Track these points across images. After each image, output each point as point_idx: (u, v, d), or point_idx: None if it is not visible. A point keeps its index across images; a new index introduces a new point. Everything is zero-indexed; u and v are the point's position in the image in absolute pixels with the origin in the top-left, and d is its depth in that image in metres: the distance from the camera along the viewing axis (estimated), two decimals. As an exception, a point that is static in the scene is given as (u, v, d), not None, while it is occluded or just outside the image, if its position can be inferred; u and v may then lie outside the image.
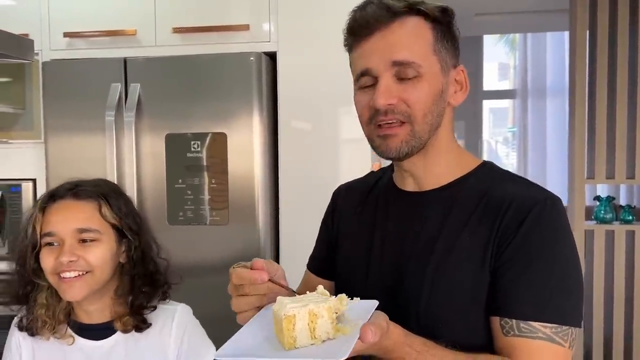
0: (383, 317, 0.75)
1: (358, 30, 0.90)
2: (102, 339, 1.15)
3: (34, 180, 2.10)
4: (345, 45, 0.96)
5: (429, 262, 0.90)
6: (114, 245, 1.14)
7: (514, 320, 0.83)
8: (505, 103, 6.96)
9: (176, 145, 1.89)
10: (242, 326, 0.80)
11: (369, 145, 2.06)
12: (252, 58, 1.86)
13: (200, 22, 1.98)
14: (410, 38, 0.89)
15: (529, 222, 0.86)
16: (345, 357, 0.68)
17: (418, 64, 0.88)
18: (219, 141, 1.87)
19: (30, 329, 1.14)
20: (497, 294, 0.85)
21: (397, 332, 0.77)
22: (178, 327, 1.17)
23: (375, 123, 0.90)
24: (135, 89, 1.90)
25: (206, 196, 1.88)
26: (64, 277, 1.08)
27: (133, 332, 1.15)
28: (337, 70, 1.89)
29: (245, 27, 1.95)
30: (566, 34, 4.55)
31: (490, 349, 0.86)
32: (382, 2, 0.89)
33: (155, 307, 1.17)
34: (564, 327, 0.83)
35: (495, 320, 0.85)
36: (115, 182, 1.87)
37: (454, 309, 0.88)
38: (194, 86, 1.90)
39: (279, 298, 0.77)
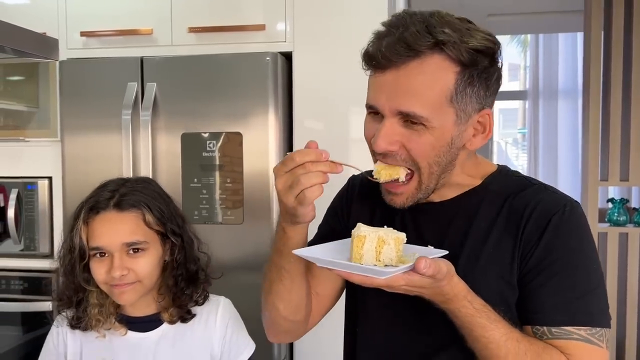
0: (446, 263, 0.78)
1: (372, 61, 0.84)
2: (149, 330, 1.18)
3: (49, 178, 2.11)
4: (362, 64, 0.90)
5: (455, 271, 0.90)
6: (159, 249, 1.17)
7: (544, 327, 0.84)
8: (516, 104, 6.93)
9: (192, 145, 1.90)
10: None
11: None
12: (268, 58, 1.86)
13: (216, 22, 1.98)
14: (424, 85, 0.81)
15: (550, 230, 0.86)
16: (387, 277, 0.75)
17: (426, 118, 0.82)
18: (235, 140, 1.88)
19: (84, 327, 1.17)
20: (525, 302, 0.86)
21: (461, 284, 0.80)
22: (222, 318, 1.22)
23: (377, 158, 0.88)
24: (151, 88, 1.91)
25: (221, 195, 1.89)
26: (116, 285, 1.11)
27: (179, 324, 1.19)
28: (352, 70, 1.88)
29: (261, 27, 1.95)
30: (579, 34, 4.52)
31: None
32: (404, 35, 0.80)
33: (197, 303, 1.20)
34: (597, 329, 0.84)
35: (527, 329, 0.86)
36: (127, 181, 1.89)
37: None
38: (210, 86, 1.90)
39: (358, 224, 0.82)
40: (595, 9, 2.89)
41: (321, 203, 1.16)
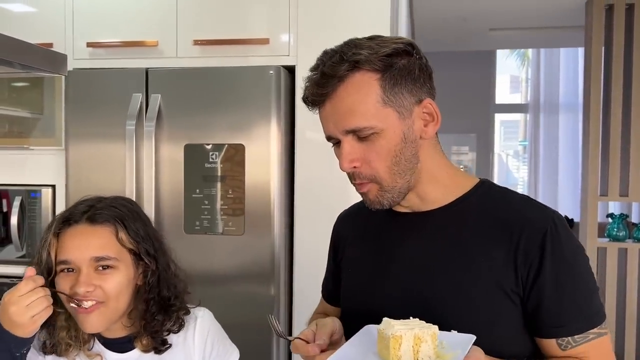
0: (480, 351, 0.82)
1: (311, 103, 0.94)
2: (127, 351, 1.14)
3: (53, 187, 2.13)
4: None
5: (444, 277, 0.92)
6: (130, 270, 1.09)
7: (569, 337, 0.90)
8: (517, 116, 6.96)
9: (195, 156, 1.92)
10: None
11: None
12: (271, 72, 1.89)
13: (221, 35, 2.01)
14: (357, 100, 0.89)
15: (549, 242, 0.90)
16: None
17: (370, 126, 0.90)
18: (237, 152, 1.90)
19: (56, 352, 1.11)
20: (544, 317, 0.91)
21: None
22: (201, 333, 1.16)
23: (352, 183, 0.96)
24: (156, 99, 1.93)
25: (223, 206, 1.91)
26: (80, 307, 1.03)
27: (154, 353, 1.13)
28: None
29: (265, 41, 1.98)
30: (580, 49, 4.55)
31: (513, 354, 0.90)
32: (324, 70, 0.90)
33: (170, 332, 1.14)
34: (600, 325, 0.92)
35: (551, 342, 0.91)
36: (134, 190, 1.91)
37: (471, 327, 0.88)
38: (214, 98, 1.92)
39: (385, 319, 0.83)
40: (596, 25, 2.92)
41: (329, 229, 1.20)
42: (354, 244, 1.07)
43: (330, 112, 0.91)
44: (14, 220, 2.09)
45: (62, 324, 1.08)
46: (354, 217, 1.11)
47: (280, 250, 1.93)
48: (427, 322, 0.85)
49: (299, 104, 1.98)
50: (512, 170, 7.52)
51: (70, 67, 2.06)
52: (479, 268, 0.91)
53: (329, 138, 0.95)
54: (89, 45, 2.08)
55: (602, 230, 3.09)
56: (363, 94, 0.89)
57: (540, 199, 5.89)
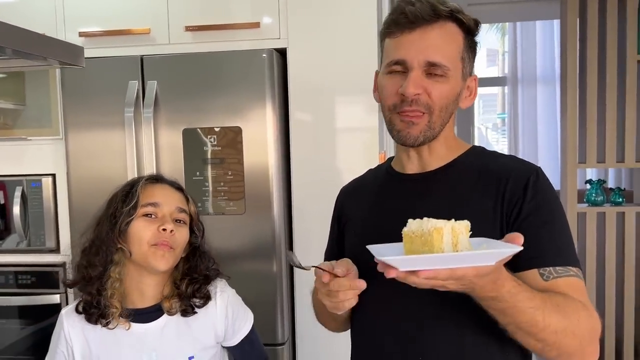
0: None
1: (403, 22, 1.01)
2: (152, 321, 1.24)
3: (53, 176, 2.17)
4: (383, 31, 1.06)
5: None
6: (186, 235, 1.27)
7: (550, 267, 0.96)
8: (495, 90, 7.08)
9: (193, 139, 1.98)
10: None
11: (377, 134, 2.15)
12: (264, 55, 1.94)
13: (211, 21, 2.05)
14: (446, 41, 1.00)
15: (531, 188, 1.01)
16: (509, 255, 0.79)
17: (447, 67, 1.00)
18: (234, 134, 1.96)
19: (93, 313, 1.21)
20: (526, 250, 0.94)
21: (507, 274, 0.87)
22: (222, 300, 1.29)
23: (398, 111, 1.02)
24: (152, 86, 1.98)
25: (223, 187, 1.97)
26: (160, 244, 1.19)
27: (180, 315, 1.25)
28: (345, 62, 2.00)
29: (256, 25, 2.03)
30: (555, 21, 4.66)
31: None
32: (430, 2, 1.00)
33: (206, 299, 1.27)
34: (579, 269, 0.98)
35: (533, 272, 0.96)
36: (136, 176, 1.97)
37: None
38: (209, 82, 1.97)
39: (410, 220, 0.85)
40: (571, -2, 3.01)
41: (326, 205, 1.27)
42: (358, 212, 1.15)
43: (418, 39, 0.99)
44: (16, 210, 2.13)
45: (115, 275, 1.22)
46: (357, 190, 1.21)
47: (280, 227, 2.01)
48: (415, 295, 0.87)
49: (293, 86, 2.05)
50: (491, 143, 7.67)
51: (64, 57, 2.09)
52: (475, 218, 0.97)
53: (396, 63, 1.01)
54: (82, 35, 2.10)
55: (582, 197, 3.23)
56: (452, 40, 1.01)
57: (521, 169, 5.91)
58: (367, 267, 0.96)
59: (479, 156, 1.09)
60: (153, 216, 1.23)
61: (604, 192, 3.17)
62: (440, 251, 0.77)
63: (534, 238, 0.96)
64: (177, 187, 1.31)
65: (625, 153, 3.02)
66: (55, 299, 2.12)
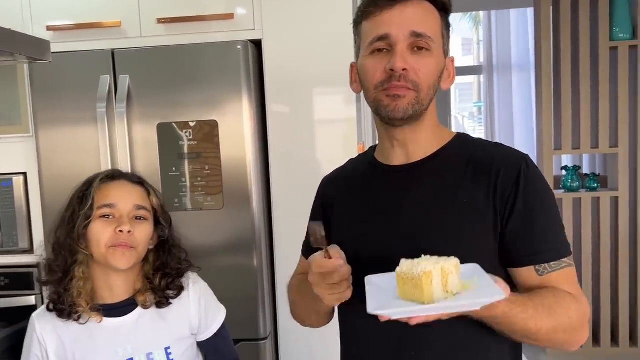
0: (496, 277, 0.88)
1: (380, 2, 1.00)
2: (126, 314, 1.23)
3: (24, 174, 2.11)
4: (359, 14, 1.05)
5: (436, 224, 1.01)
6: (151, 229, 1.25)
7: (545, 264, 0.98)
8: (470, 79, 7.12)
9: (168, 134, 1.94)
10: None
11: (355, 125, 2.13)
12: (239, 47, 1.91)
13: (184, 12, 2.01)
14: (427, 16, 1.01)
15: (523, 179, 1.00)
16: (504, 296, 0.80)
17: (432, 39, 1.00)
18: (211, 128, 1.93)
19: (63, 309, 1.20)
20: (522, 245, 0.99)
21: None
22: (194, 291, 1.29)
23: (385, 87, 1.00)
24: (124, 80, 1.93)
25: (200, 182, 1.94)
26: (118, 245, 1.17)
27: (155, 307, 1.25)
28: (322, 53, 1.97)
29: (230, 16, 1.99)
30: (530, 9, 4.69)
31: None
32: None
33: (179, 289, 1.26)
34: (570, 255, 1.01)
35: (529, 268, 0.98)
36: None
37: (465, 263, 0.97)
38: (183, 76, 1.94)
39: (402, 260, 0.86)
40: (544, -14, 3.03)
41: (306, 197, 1.26)
42: (344, 201, 1.13)
43: (399, 13, 0.99)
44: (-14, 210, 2.07)
45: (80, 274, 1.20)
46: (340, 179, 1.18)
47: (260, 221, 1.99)
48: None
49: (269, 78, 2.02)
50: (468, 131, 7.73)
51: (32, 52, 2.03)
52: (464, 209, 1.00)
53: (379, 39, 1.00)
54: (50, 28, 2.04)
55: (558, 183, 3.27)
56: (431, 15, 1.01)
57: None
58: (358, 264, 0.95)
59: (465, 145, 1.08)
60: (110, 217, 1.20)
61: (580, 178, 3.22)
62: (430, 294, 0.81)
63: (530, 234, 0.98)
64: (136, 181, 1.27)
65: (600, 139, 3.06)
66: (31, 300, 2.07)
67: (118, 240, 1.18)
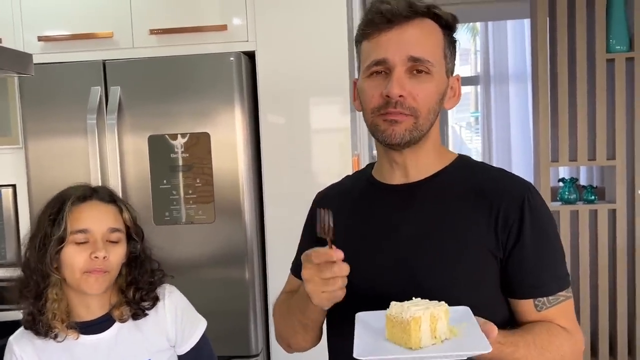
0: (489, 321, 0.86)
1: (380, 21, 0.96)
2: (103, 331, 1.22)
3: (13, 186, 2.09)
4: (359, 34, 1.01)
5: (434, 248, 0.98)
6: (124, 247, 1.22)
7: (544, 298, 0.96)
8: (468, 89, 7.13)
9: (159, 147, 1.91)
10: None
11: (349, 136, 2.11)
12: (232, 58, 1.89)
13: (177, 24, 1.99)
14: (426, 37, 0.97)
15: (528, 209, 0.97)
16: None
17: (431, 63, 0.96)
18: (203, 140, 1.90)
19: (39, 329, 1.17)
20: (523, 278, 0.97)
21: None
22: (170, 302, 1.27)
23: (381, 112, 0.97)
24: (115, 91, 1.91)
25: (191, 195, 1.92)
26: (92, 271, 1.14)
27: (131, 320, 1.23)
28: (315, 64, 1.96)
29: (223, 27, 1.98)
30: (526, 20, 4.69)
31: (492, 321, 0.94)
32: (405, 1, 0.96)
33: (145, 309, 1.23)
34: (569, 287, 0.99)
35: (529, 302, 0.97)
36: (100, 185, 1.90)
37: (461, 289, 0.95)
38: (175, 87, 1.91)
39: (393, 303, 0.85)
40: (541, -3, 3.02)
41: (300, 210, 1.23)
42: (338, 219, 1.09)
43: (396, 36, 0.95)
44: (-26, 223, 2.04)
45: (53, 296, 1.17)
46: (335, 195, 1.14)
47: (252, 234, 1.96)
48: (415, 289, 0.89)
49: (262, 88, 2.00)
50: (465, 142, 7.72)
51: (22, 63, 2.00)
52: (464, 234, 0.97)
53: (377, 63, 0.96)
54: (41, 39, 2.02)
55: (555, 195, 3.24)
56: (432, 35, 0.97)
57: (495, 168, 5.90)
58: (351, 284, 0.92)
59: (466, 168, 1.05)
60: (84, 242, 1.17)
61: (577, 190, 3.19)
62: (418, 340, 0.81)
63: (532, 268, 0.97)
64: (108, 200, 1.22)
65: (597, 151, 3.04)
66: (19, 315, 2.03)
67: (93, 266, 1.15)
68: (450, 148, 7.33)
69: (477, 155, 6.83)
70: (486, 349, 0.79)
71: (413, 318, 0.80)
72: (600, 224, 3.07)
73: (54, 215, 1.17)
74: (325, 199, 1.16)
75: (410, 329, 0.80)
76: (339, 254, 0.88)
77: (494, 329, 0.84)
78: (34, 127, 1.97)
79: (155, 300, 1.25)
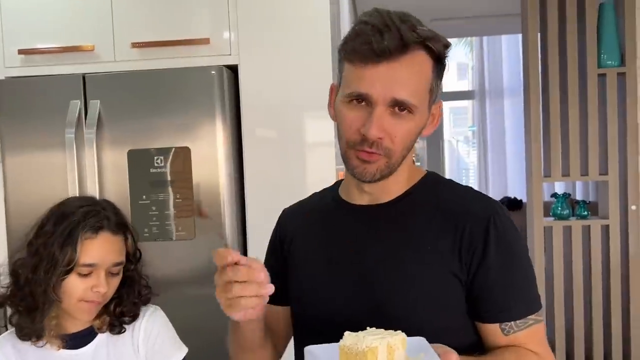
0: (452, 351, 0.82)
1: (367, 54, 0.89)
2: (84, 345, 1.22)
3: (-8, 201, 2.05)
4: (343, 54, 0.95)
5: (397, 270, 0.95)
6: (121, 274, 1.22)
7: (512, 322, 0.93)
8: (466, 103, 7.13)
9: (139, 161, 1.88)
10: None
11: (333, 149, 2.08)
12: (213, 72, 1.87)
13: (159, 37, 1.97)
14: (414, 76, 0.90)
15: (492, 231, 0.94)
16: None
17: (415, 105, 0.91)
18: (183, 155, 1.87)
19: (26, 336, 1.19)
20: (488, 302, 0.94)
21: None
22: (148, 325, 1.25)
23: (357, 149, 0.93)
24: (95, 105, 1.88)
25: (171, 211, 1.88)
26: (89, 301, 1.16)
27: (111, 335, 1.23)
28: (298, 78, 1.93)
29: (206, 41, 1.96)
30: (520, 35, 4.70)
31: (456, 347, 0.90)
32: (400, 32, 0.88)
33: (136, 316, 1.24)
34: (538, 311, 0.96)
35: (494, 326, 0.94)
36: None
37: (425, 312, 0.93)
38: (156, 101, 1.89)
39: (347, 333, 0.80)
40: (531, 12, 3.02)
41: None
42: (303, 239, 1.07)
43: (383, 74, 0.88)
44: (-49, 238, 2.00)
45: (52, 314, 1.18)
46: (302, 213, 1.11)
47: (234, 249, 1.91)
48: (378, 313, 0.86)
49: (245, 102, 1.97)
50: (462, 156, 7.70)
51: (1, 76, 1.99)
52: (428, 258, 0.94)
53: (358, 96, 0.91)
54: (21, 52, 2.00)
55: (548, 210, 3.21)
56: (421, 73, 0.91)
57: (489, 183, 5.98)
58: (312, 307, 0.88)
59: (434, 186, 1.02)
60: (88, 275, 1.17)
61: (570, 206, 3.16)
62: None
63: (497, 291, 0.94)
64: (116, 230, 1.20)
65: (589, 166, 3.01)
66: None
67: (91, 297, 1.16)
68: (446, 163, 7.32)
69: (473, 170, 6.81)
70: None
71: (369, 349, 0.77)
72: (593, 239, 3.03)
73: (64, 239, 1.15)
74: (291, 216, 1.13)
75: None
76: (235, 257, 0.84)
77: (451, 357, 0.81)
78: (11, 140, 1.94)
79: (135, 317, 1.24)
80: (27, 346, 1.20)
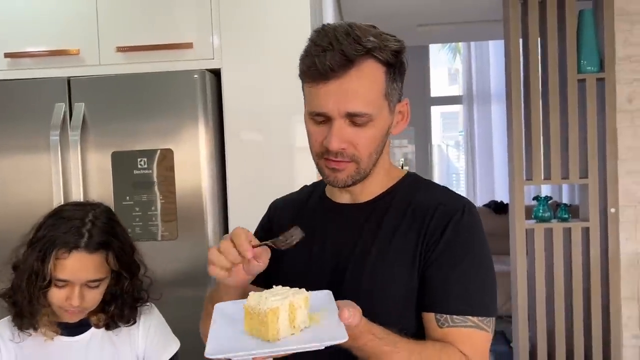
0: (351, 302, 0.84)
1: (315, 75, 0.93)
2: (79, 334, 1.28)
3: (-24, 203, 2.07)
4: (299, 73, 0.98)
5: (365, 266, 0.99)
6: (105, 286, 1.26)
7: (447, 315, 0.94)
8: (456, 107, 7.19)
9: (123, 163, 1.92)
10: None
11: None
12: (195, 76, 1.91)
13: (144, 41, 2.00)
14: (364, 87, 0.93)
15: (451, 227, 0.97)
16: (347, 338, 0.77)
17: (369, 114, 0.95)
18: (166, 157, 1.91)
19: (23, 325, 1.24)
20: (429, 292, 0.96)
21: (363, 321, 0.85)
22: (144, 323, 1.32)
23: (324, 157, 0.98)
24: (80, 108, 1.92)
25: (154, 212, 1.91)
26: (67, 310, 1.22)
27: (104, 329, 1.28)
28: (281, 82, 1.97)
29: (189, 45, 1.99)
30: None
31: (419, 339, 0.95)
32: (342, 48, 0.90)
33: (133, 322, 1.29)
34: (488, 318, 0.95)
35: (430, 315, 0.95)
36: (62, 202, 1.89)
37: (390, 307, 0.96)
38: (140, 104, 1.93)
39: (251, 294, 0.82)
40: (513, 18, 3.07)
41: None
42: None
43: (334, 90, 0.92)
44: (-63, 239, 2.01)
45: (45, 312, 1.24)
46: (290, 207, 1.16)
47: (215, 251, 1.95)
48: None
49: (228, 106, 2.01)
50: (452, 160, 7.75)
51: (-13, 79, 2.01)
52: (397, 255, 0.98)
53: (317, 115, 0.95)
54: (7, 55, 2.03)
55: (530, 213, 3.26)
56: (371, 82, 0.94)
57: (477, 186, 6.04)
58: None
59: (412, 186, 1.06)
60: (64, 287, 1.22)
61: (551, 209, 3.21)
62: (275, 332, 0.79)
63: (440, 281, 0.95)
64: (96, 248, 1.22)
65: (570, 169, 3.07)
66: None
67: (67, 307, 1.22)
68: (435, 167, 7.37)
69: (462, 174, 6.86)
70: (343, 338, 0.76)
71: (270, 309, 0.78)
72: (574, 241, 3.08)
73: (43, 254, 1.20)
74: (283, 207, 1.18)
75: (268, 321, 0.78)
76: (249, 254, 0.88)
77: (354, 313, 0.81)
78: (-3, 143, 1.96)
79: (132, 321, 1.30)
80: (23, 342, 1.25)
